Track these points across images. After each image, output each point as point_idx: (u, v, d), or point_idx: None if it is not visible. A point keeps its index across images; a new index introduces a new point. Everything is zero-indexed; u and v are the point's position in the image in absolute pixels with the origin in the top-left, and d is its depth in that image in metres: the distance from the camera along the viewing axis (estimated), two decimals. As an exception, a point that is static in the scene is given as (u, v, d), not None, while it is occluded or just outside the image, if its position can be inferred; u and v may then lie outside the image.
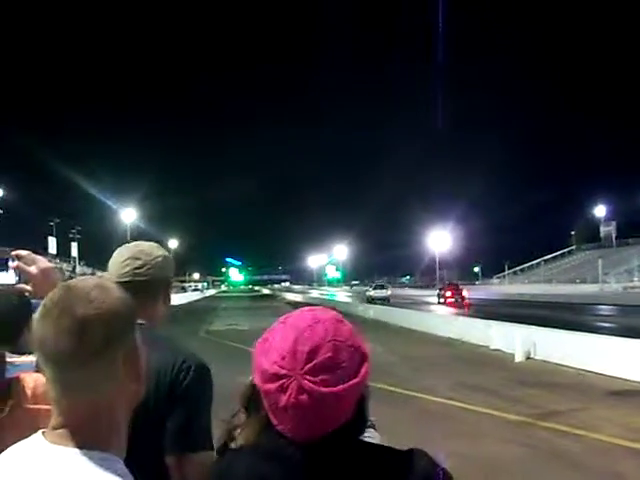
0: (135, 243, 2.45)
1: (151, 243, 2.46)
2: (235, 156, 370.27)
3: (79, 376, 1.22)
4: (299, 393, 1.33)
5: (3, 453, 1.27)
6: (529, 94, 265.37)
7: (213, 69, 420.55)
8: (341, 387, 1.34)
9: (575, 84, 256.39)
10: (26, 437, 1.29)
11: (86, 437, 1.22)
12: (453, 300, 58.09)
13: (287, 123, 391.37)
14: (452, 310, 47.44)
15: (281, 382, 1.36)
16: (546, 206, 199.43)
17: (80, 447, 1.21)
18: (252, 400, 2.25)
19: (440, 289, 65.80)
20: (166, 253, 2.43)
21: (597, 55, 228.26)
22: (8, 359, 1.99)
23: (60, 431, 1.24)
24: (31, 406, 1.64)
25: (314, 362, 1.35)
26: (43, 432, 1.26)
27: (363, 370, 1.40)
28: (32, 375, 1.76)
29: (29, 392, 1.67)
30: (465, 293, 60.61)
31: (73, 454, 1.20)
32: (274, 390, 1.37)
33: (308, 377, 1.34)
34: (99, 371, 1.23)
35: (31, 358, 2.82)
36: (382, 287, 74.82)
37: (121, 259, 2.32)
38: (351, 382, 1.36)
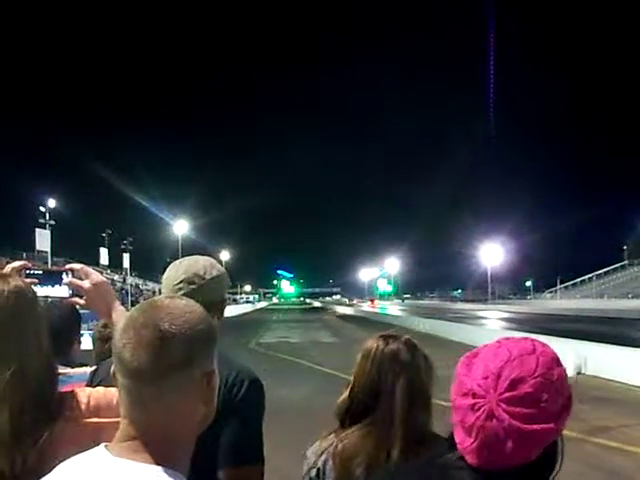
0: (189, 261, 2.38)
1: (206, 261, 2.39)
2: (288, 169, 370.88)
3: (152, 391, 1.21)
4: (488, 418, 1.28)
5: (62, 464, 1.26)
6: (583, 107, 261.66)
7: (266, 83, 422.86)
8: (533, 427, 1.27)
9: (627, 100, 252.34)
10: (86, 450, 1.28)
11: (152, 452, 1.21)
12: (371, 305, 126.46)
13: (338, 137, 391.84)
14: (506, 324, 47.27)
15: (475, 401, 1.31)
16: (598, 220, 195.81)
17: (145, 461, 1.20)
18: (349, 414, 2.43)
19: (368, 300, 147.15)
20: (221, 271, 2.39)
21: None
22: (61, 370, 1.96)
23: (126, 444, 1.23)
24: (89, 420, 1.63)
25: (514, 392, 1.29)
26: (106, 445, 1.25)
27: (562, 417, 1.33)
28: (85, 390, 1.75)
29: (83, 407, 1.66)
30: (376, 302, 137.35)
31: (138, 468, 1.18)
32: (466, 407, 1.33)
33: (503, 405, 1.28)
34: (173, 388, 1.22)
35: (84, 369, 2.89)
36: (352, 299, 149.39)
37: (175, 281, 2.29)
38: (545, 426, 1.28)
